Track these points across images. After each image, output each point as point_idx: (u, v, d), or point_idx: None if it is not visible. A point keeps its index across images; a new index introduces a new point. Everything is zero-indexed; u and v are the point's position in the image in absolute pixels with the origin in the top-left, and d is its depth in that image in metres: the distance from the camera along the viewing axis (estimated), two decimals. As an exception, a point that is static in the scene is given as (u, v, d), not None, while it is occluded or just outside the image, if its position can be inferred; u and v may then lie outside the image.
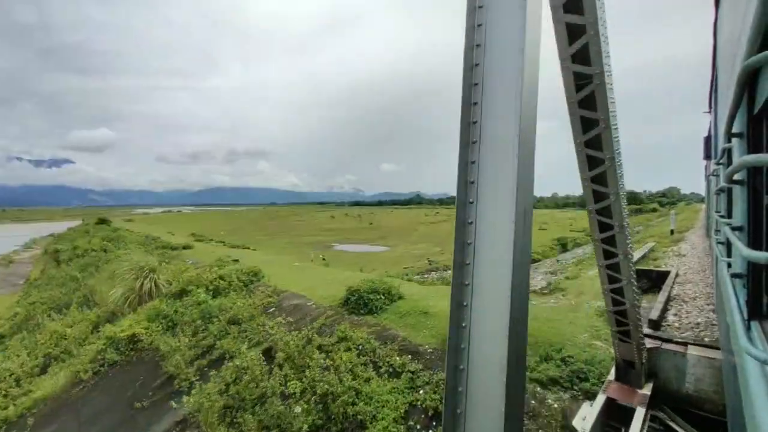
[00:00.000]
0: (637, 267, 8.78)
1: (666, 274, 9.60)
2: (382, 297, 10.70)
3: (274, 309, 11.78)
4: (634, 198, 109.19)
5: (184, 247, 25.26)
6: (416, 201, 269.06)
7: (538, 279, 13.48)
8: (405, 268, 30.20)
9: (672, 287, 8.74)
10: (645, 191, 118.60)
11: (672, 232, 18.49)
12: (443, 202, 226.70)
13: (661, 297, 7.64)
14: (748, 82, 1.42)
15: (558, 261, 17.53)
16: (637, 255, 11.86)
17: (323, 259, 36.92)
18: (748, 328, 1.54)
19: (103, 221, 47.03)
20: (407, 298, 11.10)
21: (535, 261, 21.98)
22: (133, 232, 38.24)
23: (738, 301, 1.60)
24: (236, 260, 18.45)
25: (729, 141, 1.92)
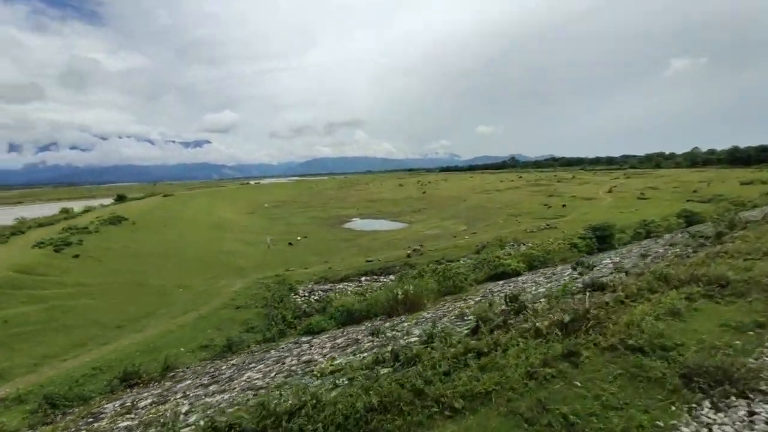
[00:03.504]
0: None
1: None
2: None
3: None
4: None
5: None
6: (510, 165, 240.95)
7: None
8: (368, 261, 21.99)
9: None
10: None
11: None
12: (540, 165, 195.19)
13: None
14: None
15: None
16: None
17: (290, 244, 30.79)
18: None
19: (121, 198, 49.32)
20: None
21: (506, 275, 11.79)
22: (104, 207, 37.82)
23: None
24: None
25: None
